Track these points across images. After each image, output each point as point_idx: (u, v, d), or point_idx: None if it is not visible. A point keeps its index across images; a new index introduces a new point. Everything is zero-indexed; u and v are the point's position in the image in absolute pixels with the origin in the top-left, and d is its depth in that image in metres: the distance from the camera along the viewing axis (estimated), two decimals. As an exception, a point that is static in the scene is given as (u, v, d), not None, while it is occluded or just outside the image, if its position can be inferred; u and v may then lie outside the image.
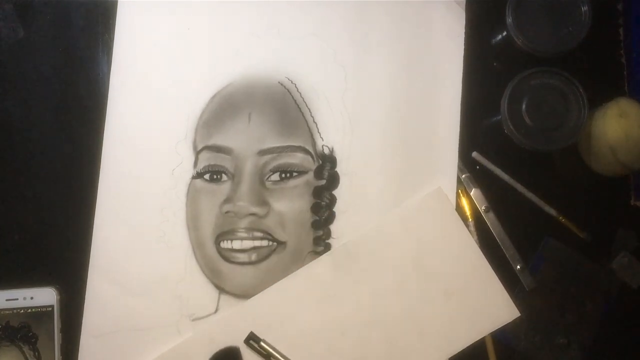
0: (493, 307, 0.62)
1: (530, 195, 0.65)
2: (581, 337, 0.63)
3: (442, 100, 0.66)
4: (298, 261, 0.63)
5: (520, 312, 0.62)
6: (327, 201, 0.63)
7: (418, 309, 0.62)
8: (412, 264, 0.63)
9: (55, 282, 0.61)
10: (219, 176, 0.63)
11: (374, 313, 0.62)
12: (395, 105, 0.65)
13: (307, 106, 0.65)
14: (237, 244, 0.63)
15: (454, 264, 0.63)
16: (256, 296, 0.62)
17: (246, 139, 0.63)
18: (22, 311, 0.60)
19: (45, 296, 0.60)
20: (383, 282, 0.62)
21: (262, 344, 0.60)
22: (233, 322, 0.61)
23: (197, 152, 0.63)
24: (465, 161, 0.66)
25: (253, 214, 0.62)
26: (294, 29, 0.66)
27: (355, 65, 0.66)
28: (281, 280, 0.62)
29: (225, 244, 0.63)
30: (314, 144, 0.64)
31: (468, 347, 0.62)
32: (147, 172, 0.63)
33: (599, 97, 0.64)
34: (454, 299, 0.62)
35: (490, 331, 0.62)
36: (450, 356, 0.62)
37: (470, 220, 0.64)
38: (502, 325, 0.62)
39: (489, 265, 0.63)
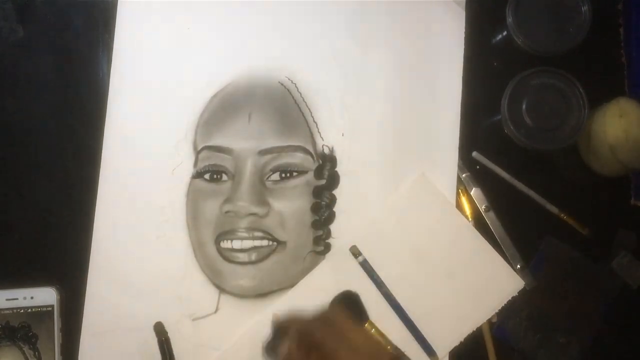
0: (497, 282, 0.62)
1: (530, 193, 0.65)
2: (581, 336, 0.63)
3: (442, 100, 0.66)
4: (298, 261, 0.63)
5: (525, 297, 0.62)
6: (327, 201, 0.63)
7: (424, 297, 0.62)
8: (410, 254, 0.63)
9: (55, 282, 0.61)
10: (219, 176, 0.63)
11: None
12: (395, 105, 0.65)
13: (307, 106, 0.65)
14: (237, 244, 0.62)
15: (452, 246, 0.63)
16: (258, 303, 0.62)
17: (246, 139, 0.63)
18: (22, 311, 0.60)
19: (45, 296, 0.60)
20: (385, 277, 0.62)
21: None
22: (233, 322, 0.61)
23: (198, 152, 0.63)
24: (466, 161, 0.66)
25: (253, 214, 0.62)
26: (295, 29, 0.66)
27: (355, 65, 0.66)
28: (282, 296, 0.62)
29: (226, 244, 0.62)
30: (314, 143, 0.64)
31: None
32: (147, 172, 0.63)
33: (599, 97, 0.64)
34: (457, 280, 0.62)
35: (500, 306, 0.62)
36: (464, 337, 0.61)
37: (470, 219, 0.65)
38: (509, 298, 0.62)
39: (486, 241, 0.63)
